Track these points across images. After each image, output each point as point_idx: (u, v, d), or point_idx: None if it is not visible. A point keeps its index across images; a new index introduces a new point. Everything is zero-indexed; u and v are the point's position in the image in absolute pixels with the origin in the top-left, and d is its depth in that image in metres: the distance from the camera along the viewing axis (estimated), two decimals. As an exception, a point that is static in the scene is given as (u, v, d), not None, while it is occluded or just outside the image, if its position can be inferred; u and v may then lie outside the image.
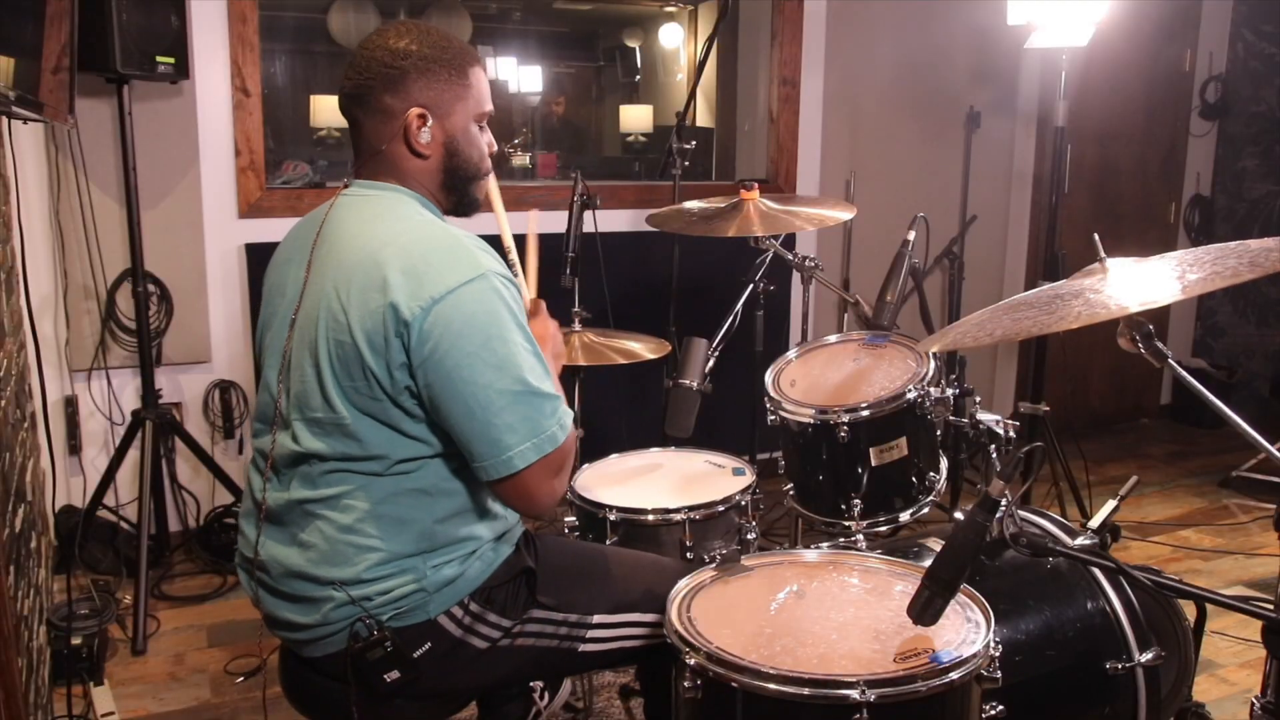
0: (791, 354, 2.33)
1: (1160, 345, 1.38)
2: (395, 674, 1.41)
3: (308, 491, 1.43)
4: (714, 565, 1.61)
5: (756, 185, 2.49)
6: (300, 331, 1.43)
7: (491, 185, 1.63)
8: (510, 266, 1.56)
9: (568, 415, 1.43)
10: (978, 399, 2.18)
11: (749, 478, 2.12)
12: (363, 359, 1.35)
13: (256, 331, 1.58)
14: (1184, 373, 1.40)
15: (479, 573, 1.48)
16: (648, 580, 1.62)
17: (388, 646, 1.40)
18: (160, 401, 3.10)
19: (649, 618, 1.59)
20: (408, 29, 1.47)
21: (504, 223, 1.71)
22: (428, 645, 1.44)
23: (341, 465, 1.41)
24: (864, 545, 2.00)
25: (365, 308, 1.34)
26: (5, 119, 2.10)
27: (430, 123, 1.46)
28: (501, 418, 1.35)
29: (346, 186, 1.51)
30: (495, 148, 1.57)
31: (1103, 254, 1.47)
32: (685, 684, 1.35)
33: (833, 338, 2.36)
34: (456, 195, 1.54)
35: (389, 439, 1.39)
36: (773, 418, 2.16)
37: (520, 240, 1.75)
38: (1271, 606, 1.20)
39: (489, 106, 1.54)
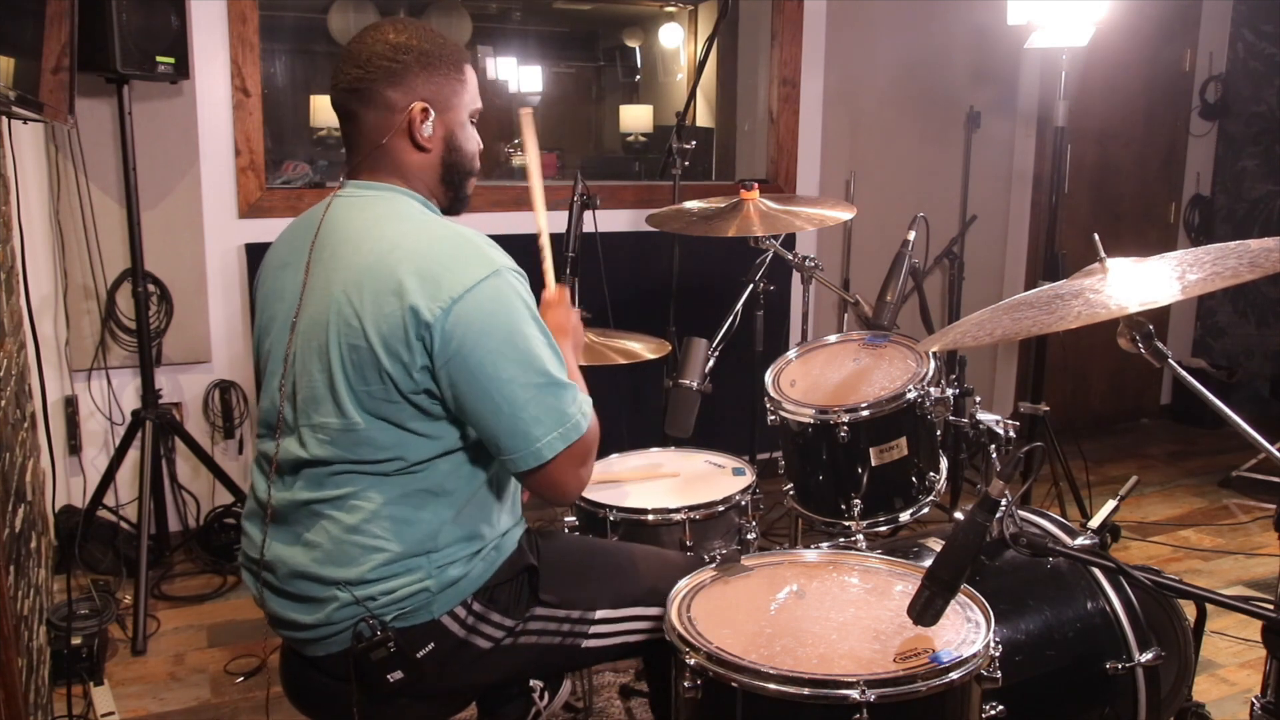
0: (791, 354, 2.33)
1: (1160, 345, 1.38)
2: (398, 674, 1.42)
3: (313, 492, 1.43)
4: (714, 565, 1.61)
5: (756, 185, 2.49)
6: (304, 336, 1.43)
7: (535, 184, 1.76)
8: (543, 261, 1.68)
9: (588, 403, 1.45)
10: (978, 399, 2.18)
11: (749, 478, 2.12)
12: (379, 363, 1.35)
13: (254, 338, 1.58)
14: (1184, 373, 1.41)
15: (483, 572, 1.48)
16: (650, 574, 1.63)
17: (391, 647, 1.40)
18: (160, 401, 3.10)
19: (652, 611, 1.59)
20: (403, 25, 1.48)
21: (542, 219, 1.75)
22: (431, 646, 1.44)
23: (349, 466, 1.41)
24: (864, 545, 2.00)
25: (380, 311, 1.34)
26: (5, 119, 2.10)
27: (432, 116, 1.47)
28: (527, 410, 1.36)
29: (340, 187, 1.51)
30: (482, 146, 1.58)
31: (1103, 254, 1.47)
32: (685, 684, 1.35)
33: (833, 338, 2.36)
34: (452, 191, 1.55)
35: (400, 440, 1.39)
36: (773, 418, 2.16)
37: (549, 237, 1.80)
38: (1271, 606, 1.20)
39: (480, 103, 1.55)
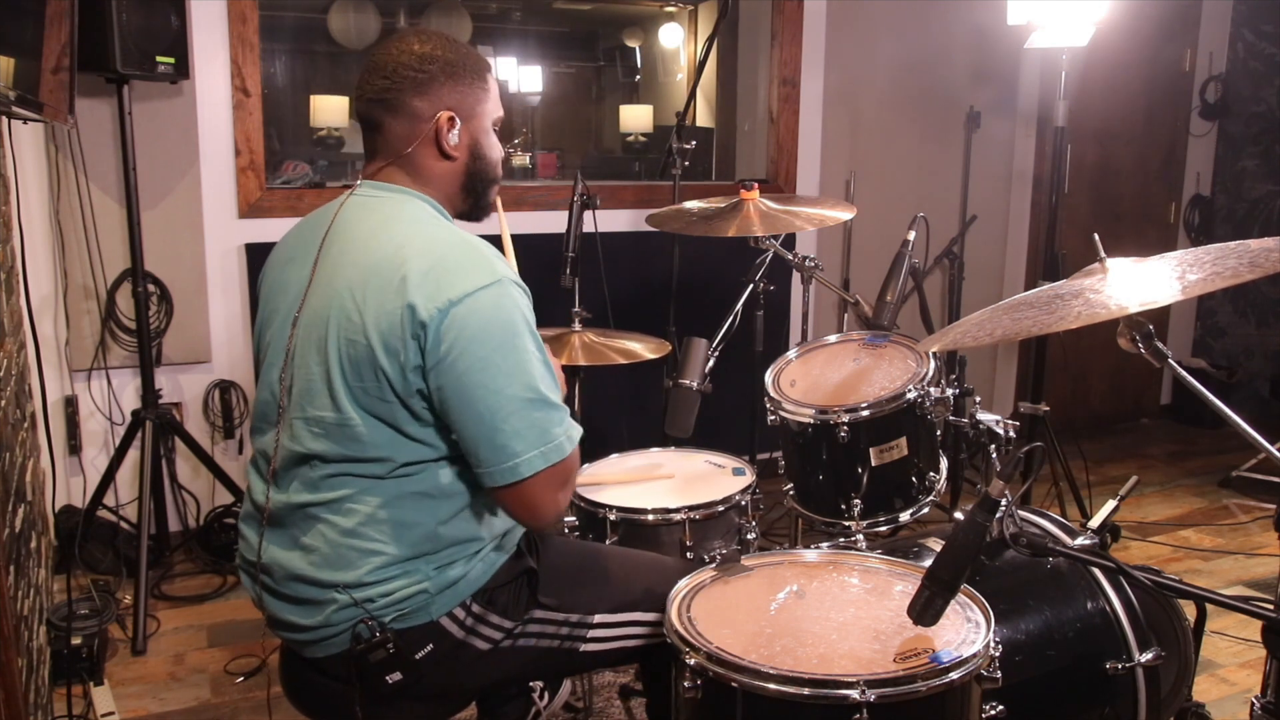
0: (791, 354, 2.33)
1: (1160, 345, 1.38)
2: (397, 675, 1.42)
3: (309, 495, 1.43)
4: (714, 565, 1.61)
5: (756, 185, 2.49)
6: (305, 330, 1.43)
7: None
8: None
9: (576, 429, 1.44)
10: (978, 399, 2.18)
11: (749, 478, 2.12)
12: (375, 360, 1.35)
13: (255, 330, 1.58)
14: (1184, 373, 1.41)
15: (481, 574, 1.48)
16: (649, 579, 1.63)
17: (390, 648, 1.40)
18: (160, 401, 3.10)
19: (650, 617, 1.59)
20: (427, 36, 1.49)
21: (505, 229, 1.72)
22: (430, 647, 1.44)
23: (343, 468, 1.41)
24: (864, 545, 2.00)
25: (381, 309, 1.35)
26: (5, 119, 2.10)
27: (458, 125, 1.48)
28: (510, 424, 1.35)
29: (355, 187, 1.51)
30: (504, 153, 1.59)
31: (1103, 254, 1.47)
32: (685, 684, 1.35)
33: (833, 338, 2.36)
34: (474, 198, 1.56)
35: (392, 441, 1.39)
36: (773, 418, 2.16)
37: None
38: (1271, 606, 1.20)
39: (501, 111, 1.57)
